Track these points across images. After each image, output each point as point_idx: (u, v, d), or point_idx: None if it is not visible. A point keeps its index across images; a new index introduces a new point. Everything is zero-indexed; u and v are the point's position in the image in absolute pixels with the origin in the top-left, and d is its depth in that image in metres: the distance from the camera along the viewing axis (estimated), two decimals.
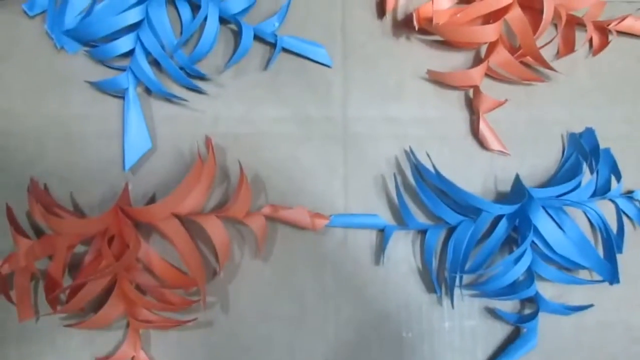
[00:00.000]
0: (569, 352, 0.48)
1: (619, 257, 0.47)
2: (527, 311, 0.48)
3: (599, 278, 0.46)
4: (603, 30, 0.51)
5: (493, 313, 0.48)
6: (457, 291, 0.47)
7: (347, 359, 0.47)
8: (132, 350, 0.44)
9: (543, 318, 0.47)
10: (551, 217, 0.45)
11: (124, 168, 0.48)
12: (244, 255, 0.48)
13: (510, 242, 0.48)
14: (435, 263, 0.48)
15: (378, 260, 0.48)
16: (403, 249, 0.49)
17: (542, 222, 0.44)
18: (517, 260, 0.44)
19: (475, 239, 0.45)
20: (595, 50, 0.52)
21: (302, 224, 0.46)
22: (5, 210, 0.45)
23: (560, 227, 0.44)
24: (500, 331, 0.48)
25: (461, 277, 0.47)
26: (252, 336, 0.47)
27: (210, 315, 0.47)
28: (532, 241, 0.45)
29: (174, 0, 0.50)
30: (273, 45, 0.50)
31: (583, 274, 0.49)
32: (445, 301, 0.48)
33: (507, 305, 0.48)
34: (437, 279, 0.47)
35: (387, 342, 0.47)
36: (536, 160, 0.51)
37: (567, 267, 0.46)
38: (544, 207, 0.44)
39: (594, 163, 0.47)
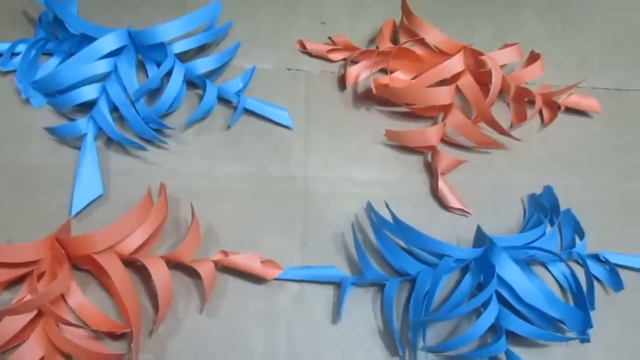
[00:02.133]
0: None
1: (595, 324, 0.43)
2: None
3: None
4: (552, 104, 0.54)
5: None
6: (421, 353, 0.43)
7: None
8: None
9: None
10: None
11: (70, 213, 0.46)
12: (189, 310, 0.44)
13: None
14: (397, 322, 0.44)
15: (336, 319, 0.44)
16: (363, 308, 0.45)
17: (506, 267, 0.41)
18: (483, 308, 0.41)
19: (436, 287, 0.42)
20: (545, 122, 0.54)
21: (253, 271, 0.43)
22: None
23: None
24: None
25: (424, 335, 0.42)
26: None
27: None
28: (499, 293, 0.42)
29: (143, 65, 0.52)
30: (237, 108, 0.52)
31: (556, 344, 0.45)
32: None
33: None
34: (400, 340, 0.43)
35: None
36: (498, 222, 0.50)
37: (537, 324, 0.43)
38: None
39: (554, 218, 0.46)
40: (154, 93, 0.51)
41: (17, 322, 0.38)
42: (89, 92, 0.48)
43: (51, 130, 0.48)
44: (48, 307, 0.37)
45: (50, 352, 0.39)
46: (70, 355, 0.40)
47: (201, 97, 0.51)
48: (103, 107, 0.48)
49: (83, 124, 0.48)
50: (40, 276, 0.40)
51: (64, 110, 0.50)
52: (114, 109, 0.49)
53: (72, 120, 0.50)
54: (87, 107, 0.50)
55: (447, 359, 0.44)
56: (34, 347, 0.38)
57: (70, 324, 0.38)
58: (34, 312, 0.38)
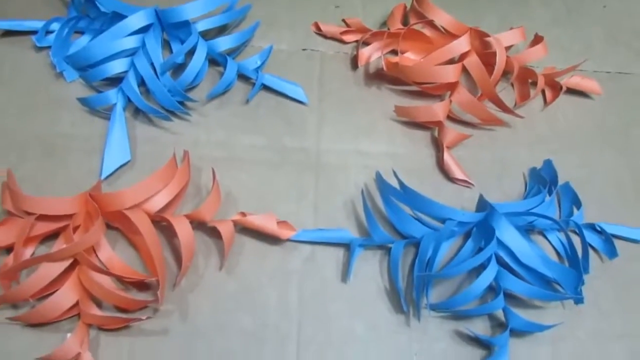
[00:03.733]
0: None
1: (589, 288, 0.46)
2: (498, 334, 0.46)
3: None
4: (554, 84, 0.57)
5: (464, 336, 0.46)
6: (425, 311, 0.46)
7: None
8: (77, 347, 0.41)
9: (518, 348, 0.45)
10: None
11: (100, 176, 0.49)
12: (209, 267, 0.47)
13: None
14: (403, 283, 0.47)
15: (345, 278, 0.47)
16: (370, 268, 0.48)
17: (505, 231, 0.44)
18: (483, 270, 0.44)
19: (439, 248, 0.45)
20: (548, 101, 0.57)
21: (269, 231, 0.47)
22: None
23: None
24: (471, 355, 0.45)
25: (427, 293, 0.46)
26: (208, 349, 0.44)
27: (166, 323, 0.45)
28: (498, 256, 0.45)
29: (168, 43, 0.56)
30: (255, 84, 0.55)
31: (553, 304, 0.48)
32: (414, 323, 0.46)
33: (478, 329, 0.46)
34: (405, 298, 0.46)
35: None
36: (500, 194, 0.53)
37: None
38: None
39: (553, 189, 0.49)
40: (178, 68, 0.55)
41: (54, 269, 0.41)
42: (118, 66, 0.52)
43: (83, 101, 0.52)
44: (83, 255, 0.41)
45: (84, 298, 0.42)
46: (100, 301, 0.44)
47: (222, 74, 0.55)
48: (131, 80, 0.52)
49: (113, 94, 0.51)
50: (74, 229, 0.43)
51: (94, 83, 0.54)
52: (141, 82, 0.53)
53: (101, 92, 0.53)
54: (115, 80, 0.53)
55: (449, 316, 0.46)
56: (69, 293, 0.42)
57: (103, 272, 0.42)
58: (69, 261, 0.42)
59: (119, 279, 0.44)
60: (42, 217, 0.43)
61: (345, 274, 0.48)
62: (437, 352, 0.45)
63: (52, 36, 0.55)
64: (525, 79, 0.56)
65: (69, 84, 0.55)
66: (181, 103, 0.53)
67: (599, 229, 0.50)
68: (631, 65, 0.61)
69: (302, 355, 0.44)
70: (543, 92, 0.57)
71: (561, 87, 0.56)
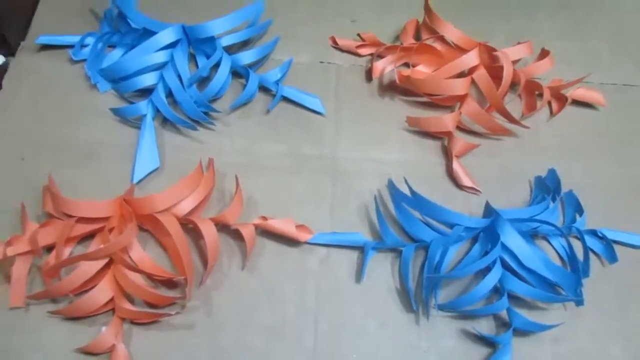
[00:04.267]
0: None
1: (590, 291, 0.49)
2: (502, 333, 0.49)
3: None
4: (560, 96, 0.59)
5: (470, 334, 0.49)
6: (433, 311, 0.49)
7: None
8: (112, 338, 0.45)
9: (520, 346, 0.48)
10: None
11: (132, 180, 0.53)
12: (232, 267, 0.51)
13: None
14: (413, 283, 0.50)
15: (359, 279, 0.51)
16: (383, 270, 0.51)
17: (509, 236, 0.47)
18: (488, 272, 0.47)
19: (447, 251, 0.48)
20: (554, 112, 0.60)
21: (288, 234, 0.50)
22: (17, 211, 0.49)
23: None
24: (476, 353, 0.48)
25: (436, 294, 0.49)
26: (231, 342, 0.48)
27: (192, 318, 0.48)
28: (503, 260, 0.48)
29: (194, 57, 0.60)
30: (275, 95, 0.59)
31: (555, 306, 0.51)
32: (422, 321, 0.49)
33: (483, 328, 0.49)
34: (415, 299, 0.49)
35: (364, 358, 0.48)
36: (506, 201, 0.56)
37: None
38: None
39: (556, 195, 0.52)
40: (203, 81, 0.58)
41: (91, 267, 0.45)
42: (148, 79, 0.56)
43: (116, 111, 0.56)
44: (118, 254, 0.44)
45: (118, 294, 0.46)
46: (133, 299, 0.47)
47: (244, 85, 0.58)
48: (160, 92, 0.55)
49: (143, 105, 0.55)
50: (110, 230, 0.47)
51: (126, 95, 0.58)
52: (169, 93, 0.56)
53: (132, 103, 0.57)
54: (145, 92, 0.57)
55: (456, 316, 0.49)
56: (104, 289, 0.45)
57: (136, 270, 0.45)
58: (105, 260, 0.46)
59: (150, 277, 0.48)
60: (81, 219, 0.47)
61: (358, 275, 0.51)
62: (444, 349, 0.48)
63: (86, 50, 0.59)
64: (532, 91, 0.59)
65: (102, 94, 0.59)
66: (206, 113, 0.56)
67: (600, 234, 0.52)
68: (636, 77, 0.64)
69: (318, 349, 0.48)
70: (549, 103, 0.60)
71: (567, 99, 0.59)
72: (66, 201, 0.46)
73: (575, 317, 0.50)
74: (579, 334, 0.49)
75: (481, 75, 0.56)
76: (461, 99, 0.57)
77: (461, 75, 0.58)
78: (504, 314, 0.49)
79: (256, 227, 0.50)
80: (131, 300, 0.48)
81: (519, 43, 0.60)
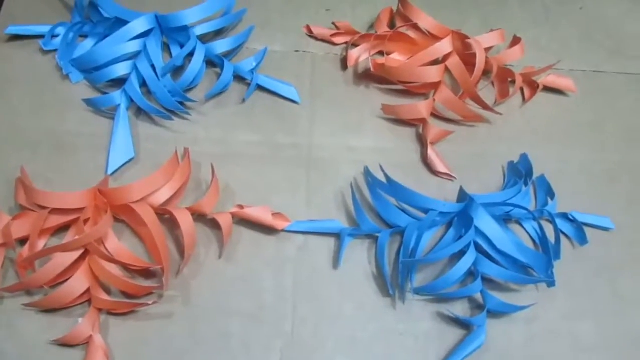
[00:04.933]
0: (520, 359, 0.49)
1: (562, 273, 0.50)
2: (476, 314, 0.50)
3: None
4: (531, 83, 0.60)
5: (445, 317, 0.50)
6: (409, 295, 0.49)
7: (303, 355, 0.48)
8: (89, 329, 0.45)
9: (493, 326, 0.49)
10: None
11: (106, 171, 0.53)
12: (209, 256, 0.51)
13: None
14: (389, 268, 0.51)
15: (336, 265, 0.51)
16: (359, 256, 0.52)
17: (483, 220, 0.48)
18: (462, 256, 0.48)
19: (422, 236, 0.49)
20: (526, 99, 0.61)
21: (265, 222, 0.50)
22: None
23: None
24: (452, 335, 0.49)
25: (412, 278, 0.49)
26: (209, 330, 0.48)
27: (170, 307, 0.48)
28: (477, 244, 0.49)
29: (167, 47, 0.59)
30: (250, 84, 0.58)
31: (528, 288, 0.52)
32: (399, 305, 0.50)
33: (458, 311, 0.50)
34: (391, 283, 0.50)
35: (342, 341, 0.48)
36: (480, 186, 0.56)
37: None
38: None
39: (528, 179, 0.53)
40: (177, 70, 0.58)
41: (66, 259, 0.45)
42: (121, 69, 0.55)
43: (89, 102, 0.55)
44: (93, 245, 0.44)
45: (94, 285, 0.46)
46: (110, 289, 0.47)
47: (219, 75, 0.58)
48: (134, 82, 0.55)
49: (117, 96, 0.55)
50: (85, 222, 0.47)
51: (99, 85, 0.57)
52: (143, 83, 0.56)
53: (106, 93, 0.57)
54: (118, 82, 0.57)
55: (431, 299, 0.50)
56: (80, 280, 0.45)
57: (112, 260, 0.45)
58: (81, 251, 0.45)
59: (126, 268, 0.48)
60: (55, 211, 0.46)
61: (335, 261, 0.51)
62: (421, 332, 0.49)
63: (57, 40, 0.59)
64: (505, 78, 0.60)
65: (74, 85, 0.58)
66: (181, 103, 0.56)
67: (571, 217, 0.53)
68: (604, 64, 0.65)
69: (296, 333, 0.48)
70: (522, 90, 0.61)
71: (538, 86, 0.60)
72: (39, 192, 0.46)
73: (547, 298, 0.51)
74: (551, 314, 0.51)
75: (455, 62, 0.56)
76: (435, 86, 0.58)
77: (435, 63, 0.58)
78: (478, 296, 0.50)
79: (233, 215, 0.50)
80: (108, 291, 0.48)
81: (491, 31, 0.61)
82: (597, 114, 0.62)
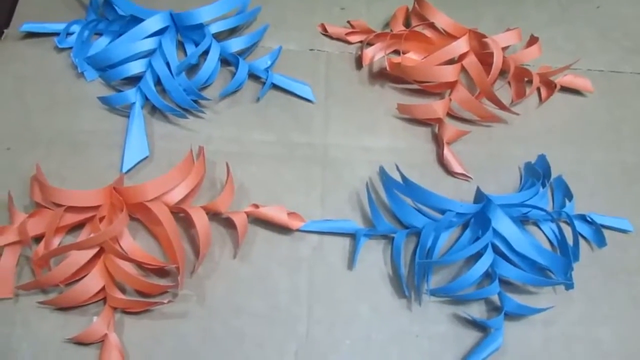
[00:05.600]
0: None
1: (580, 275, 0.50)
2: (493, 317, 0.49)
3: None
4: (548, 83, 0.60)
5: (461, 319, 0.49)
6: (425, 296, 0.49)
7: (317, 357, 0.47)
8: (104, 328, 0.45)
9: (510, 329, 0.49)
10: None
11: (121, 169, 0.53)
12: (224, 255, 0.51)
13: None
14: (405, 269, 0.50)
15: (351, 265, 0.51)
16: (374, 256, 0.51)
17: (500, 221, 0.47)
18: (479, 257, 0.47)
19: (439, 237, 0.48)
20: (543, 99, 0.60)
21: (280, 221, 0.50)
22: (5, 201, 0.48)
23: None
24: (468, 337, 0.49)
25: (428, 279, 0.49)
26: (224, 330, 0.48)
27: (185, 306, 0.48)
28: (494, 245, 0.48)
29: (182, 45, 0.59)
30: (265, 83, 0.58)
31: (546, 290, 0.51)
32: (415, 307, 0.50)
33: (475, 313, 0.50)
34: (407, 284, 0.49)
35: (357, 343, 0.48)
36: (497, 187, 0.56)
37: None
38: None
39: (546, 181, 0.52)
40: (192, 68, 0.58)
41: (82, 257, 0.45)
42: (136, 67, 0.55)
43: (104, 100, 0.55)
44: (109, 243, 0.44)
45: (109, 283, 0.46)
46: (124, 287, 0.47)
47: (233, 73, 0.58)
48: (149, 80, 0.55)
49: (132, 94, 0.55)
50: (100, 220, 0.46)
51: (113, 83, 0.57)
52: (157, 81, 0.56)
53: (120, 91, 0.56)
54: (133, 80, 0.57)
55: (447, 301, 0.50)
56: (95, 279, 0.45)
57: (127, 259, 0.45)
58: (96, 250, 0.45)
59: (141, 266, 0.48)
60: (70, 209, 0.46)
61: (350, 262, 0.51)
62: (436, 334, 0.49)
63: (72, 37, 0.59)
64: (521, 77, 0.59)
65: (89, 83, 0.58)
66: (195, 101, 0.56)
67: (589, 219, 0.53)
68: (622, 64, 0.64)
69: (311, 335, 0.48)
70: (538, 90, 0.60)
71: (555, 86, 0.60)
72: (55, 190, 0.46)
73: (565, 301, 0.50)
74: (568, 317, 0.50)
75: (471, 62, 0.56)
76: (451, 85, 0.57)
77: (451, 62, 0.58)
78: (495, 298, 0.49)
79: (248, 214, 0.50)
80: (122, 290, 0.47)
81: (508, 30, 0.60)
82: (615, 114, 0.61)
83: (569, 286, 0.48)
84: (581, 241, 0.53)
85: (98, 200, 0.46)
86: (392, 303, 0.50)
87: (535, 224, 0.54)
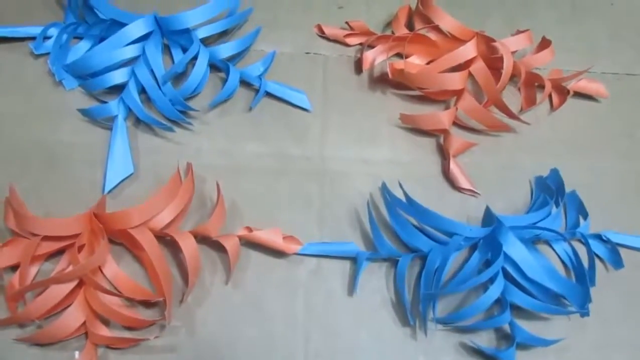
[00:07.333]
0: None
1: (594, 299, 0.46)
2: (503, 346, 0.46)
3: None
4: (561, 88, 0.56)
5: (469, 349, 0.46)
6: (431, 324, 0.46)
7: None
8: None
9: (520, 358, 0.46)
10: None
11: (103, 190, 0.49)
12: (215, 282, 0.47)
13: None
14: (409, 295, 0.47)
15: (351, 291, 0.48)
16: (377, 281, 0.48)
17: (512, 246, 0.44)
18: (490, 283, 0.44)
19: (446, 263, 0.45)
20: (554, 106, 0.56)
21: (275, 245, 0.46)
22: None
23: None
24: None
25: (434, 307, 0.46)
26: None
27: (174, 339, 0.45)
28: (505, 270, 0.45)
29: (168, 48, 0.55)
30: (258, 91, 0.54)
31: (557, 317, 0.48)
32: (420, 335, 0.47)
33: (483, 341, 0.47)
34: (411, 311, 0.46)
35: None
36: (506, 203, 0.52)
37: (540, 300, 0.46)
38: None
39: (559, 199, 0.49)
40: (179, 76, 0.54)
41: (60, 291, 0.41)
42: (119, 76, 0.51)
43: (84, 112, 0.51)
44: (89, 277, 0.41)
45: (91, 318, 0.42)
46: (108, 320, 0.44)
47: (224, 80, 0.54)
48: (132, 90, 0.51)
49: (114, 105, 0.51)
50: (80, 248, 0.43)
51: (95, 92, 0.53)
52: (142, 91, 0.52)
53: (103, 101, 0.52)
54: (116, 89, 0.52)
55: (454, 329, 0.47)
56: (76, 313, 0.42)
57: (109, 293, 0.42)
58: (76, 281, 0.42)
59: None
60: (48, 237, 0.43)
61: (351, 287, 0.48)
62: None
63: (50, 42, 0.54)
64: (532, 83, 0.56)
65: (68, 92, 0.54)
66: (183, 112, 0.52)
67: (605, 238, 0.50)
68: (638, 65, 0.60)
69: None
70: (549, 96, 0.57)
71: (568, 92, 0.56)
72: (30, 219, 0.42)
73: (579, 327, 0.48)
74: (583, 344, 0.47)
75: (480, 68, 0.52)
76: (457, 93, 0.53)
77: (457, 67, 0.54)
78: (505, 325, 0.46)
79: (240, 238, 0.47)
80: (106, 322, 0.44)
81: (518, 32, 0.56)
82: (630, 119, 0.58)
83: (585, 314, 0.45)
84: (596, 262, 0.49)
85: (77, 228, 0.43)
86: (396, 331, 0.47)
87: (547, 242, 0.50)
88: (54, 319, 0.42)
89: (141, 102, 0.51)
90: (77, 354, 0.43)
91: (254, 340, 0.45)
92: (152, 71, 0.51)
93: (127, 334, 0.44)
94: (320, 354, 0.45)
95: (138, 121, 0.53)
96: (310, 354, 0.45)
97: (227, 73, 0.53)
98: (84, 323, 0.42)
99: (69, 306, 0.42)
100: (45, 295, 0.41)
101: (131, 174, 0.50)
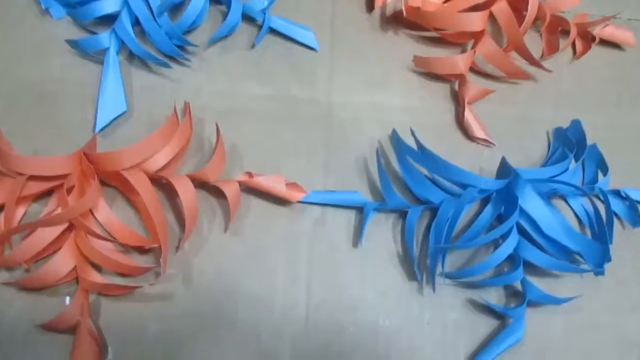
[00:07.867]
0: (559, 353, 0.44)
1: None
2: (512, 304, 0.45)
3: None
4: (586, 35, 0.52)
5: (477, 305, 0.45)
6: (439, 278, 0.44)
7: (317, 344, 0.43)
8: (77, 313, 0.39)
9: (531, 318, 0.44)
10: None
11: (94, 129, 0.46)
12: (213, 229, 0.45)
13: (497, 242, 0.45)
14: (416, 249, 0.45)
15: (356, 242, 0.45)
16: (383, 233, 0.46)
17: (529, 200, 0.42)
18: (503, 239, 0.41)
19: (458, 216, 0.43)
20: (578, 54, 0.53)
21: (277, 192, 0.44)
22: None
23: None
24: (484, 325, 0.44)
25: (443, 262, 0.44)
26: (214, 314, 0.43)
27: (170, 287, 0.43)
28: (519, 225, 0.43)
29: None
30: (261, 27, 0.50)
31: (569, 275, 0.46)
32: (426, 290, 0.45)
33: (492, 298, 0.45)
34: (418, 265, 0.44)
35: (362, 330, 0.43)
36: (521, 155, 0.50)
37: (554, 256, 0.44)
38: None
39: (580, 153, 0.46)
40: (176, 8, 0.50)
41: (48, 234, 0.39)
42: (110, 5, 0.47)
43: (73, 43, 0.47)
44: (79, 220, 0.38)
45: (82, 263, 0.40)
46: (100, 266, 0.41)
47: (224, 13, 0.50)
48: (125, 20, 0.47)
49: (105, 37, 0.47)
50: (69, 190, 0.40)
51: (85, 23, 0.49)
52: (136, 23, 0.48)
53: (94, 33, 0.48)
54: (109, 20, 0.48)
55: (462, 285, 0.45)
56: (65, 258, 0.39)
57: (101, 237, 0.39)
58: (65, 225, 0.39)
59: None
60: (35, 177, 0.40)
61: (356, 238, 0.45)
62: (449, 321, 0.44)
63: None
64: (556, 28, 0.52)
65: (56, 22, 0.49)
66: (180, 47, 0.48)
67: (623, 195, 0.47)
68: None
69: (311, 320, 0.43)
70: (572, 43, 0.53)
71: (594, 38, 0.52)
72: (15, 158, 0.39)
73: (591, 286, 0.46)
74: (595, 305, 0.46)
75: (502, 9, 0.48)
76: (476, 35, 0.49)
77: (477, 7, 0.50)
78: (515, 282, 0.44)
79: (240, 184, 0.44)
80: (98, 268, 0.42)
81: None
82: None
83: (600, 273, 0.43)
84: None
85: (66, 168, 0.40)
86: (402, 286, 0.45)
87: (563, 197, 0.48)
88: (43, 264, 0.40)
89: (135, 35, 0.47)
90: (67, 299, 0.41)
91: (253, 292, 0.43)
92: (146, 1, 0.47)
93: (120, 281, 0.41)
94: (323, 307, 0.44)
95: (132, 56, 0.49)
96: (312, 308, 0.44)
97: (229, 6, 0.49)
98: (75, 268, 0.40)
99: (58, 250, 0.40)
100: (32, 239, 0.39)
101: (124, 112, 0.47)
